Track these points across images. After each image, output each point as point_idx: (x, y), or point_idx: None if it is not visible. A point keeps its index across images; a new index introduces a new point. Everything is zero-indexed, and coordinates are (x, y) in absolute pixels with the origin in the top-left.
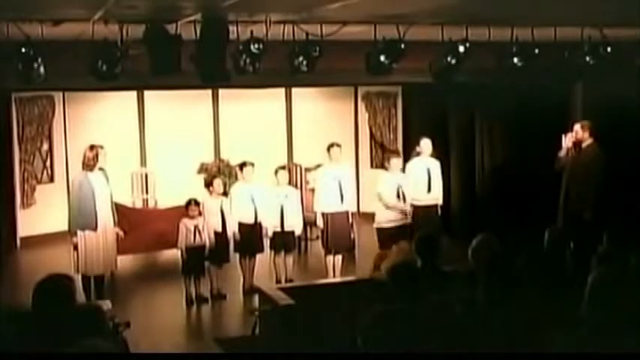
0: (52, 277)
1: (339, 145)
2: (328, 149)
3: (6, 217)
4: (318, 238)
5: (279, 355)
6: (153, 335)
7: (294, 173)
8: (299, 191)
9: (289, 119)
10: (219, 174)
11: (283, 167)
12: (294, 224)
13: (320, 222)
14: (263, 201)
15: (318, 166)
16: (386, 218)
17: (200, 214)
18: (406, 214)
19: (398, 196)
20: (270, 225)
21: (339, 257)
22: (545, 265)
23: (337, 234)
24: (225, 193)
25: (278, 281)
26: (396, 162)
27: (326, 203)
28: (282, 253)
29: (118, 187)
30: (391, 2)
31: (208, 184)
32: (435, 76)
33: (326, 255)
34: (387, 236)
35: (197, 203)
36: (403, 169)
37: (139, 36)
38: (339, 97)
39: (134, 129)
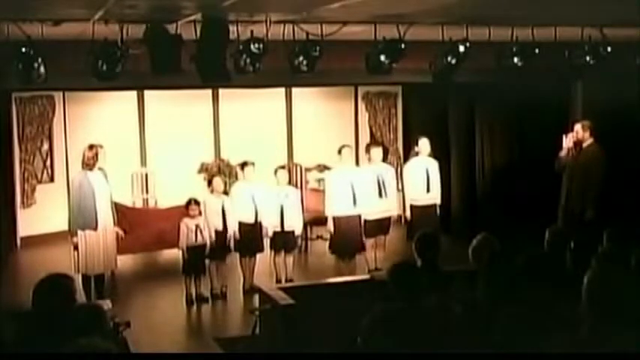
0: (52, 276)
1: (350, 147)
2: (339, 151)
3: (6, 217)
4: (318, 238)
5: (279, 355)
6: (153, 335)
7: (294, 173)
8: (299, 191)
9: (289, 119)
10: (220, 174)
11: (283, 167)
12: (294, 224)
13: (330, 225)
14: (263, 201)
15: (319, 166)
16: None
17: (200, 213)
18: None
19: (379, 188)
20: (270, 225)
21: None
22: (545, 265)
23: (348, 238)
24: (226, 192)
25: (278, 281)
26: (376, 152)
27: (338, 206)
28: (282, 252)
29: (118, 187)
30: (391, 2)
31: (209, 183)
32: (435, 76)
33: (338, 259)
34: (370, 229)
35: (197, 202)
36: (384, 159)
37: (139, 36)
38: (339, 97)
39: (134, 129)
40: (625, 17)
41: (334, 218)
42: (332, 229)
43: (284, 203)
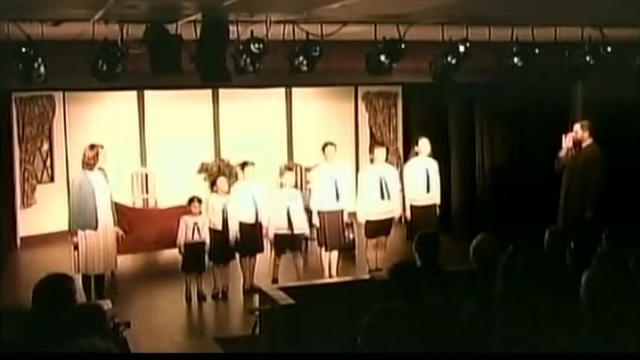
0: (52, 277)
1: (333, 144)
2: (323, 148)
3: (6, 217)
4: None
5: (279, 355)
6: (153, 335)
7: (294, 173)
8: (301, 192)
9: (289, 119)
10: (220, 174)
11: (290, 168)
12: (302, 226)
13: (315, 220)
14: (264, 201)
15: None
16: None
17: (201, 212)
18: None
19: (381, 190)
20: (277, 227)
21: (334, 255)
22: (545, 265)
23: (331, 232)
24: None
25: (274, 281)
26: (380, 152)
27: (321, 202)
28: (287, 254)
29: (118, 187)
30: (391, 2)
31: (213, 184)
32: (435, 76)
33: (322, 252)
34: (372, 230)
35: (199, 201)
36: (386, 159)
37: (139, 36)
38: (339, 97)
39: (134, 129)
40: (625, 17)
41: (318, 213)
42: (317, 223)
43: (290, 205)
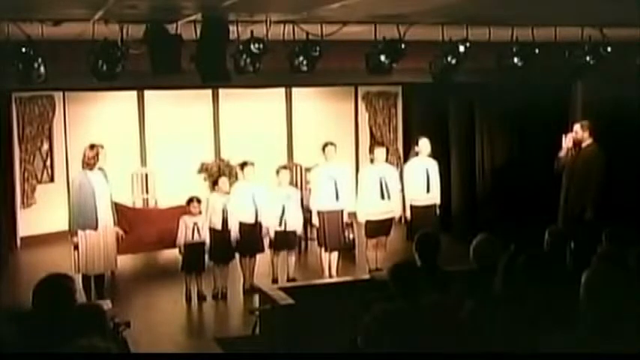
0: (52, 277)
1: (333, 144)
2: (323, 148)
3: (6, 217)
4: None
5: (279, 355)
6: (153, 335)
7: (294, 173)
8: (299, 191)
9: (289, 119)
10: (220, 174)
11: (285, 167)
12: (296, 224)
13: (315, 220)
14: (264, 201)
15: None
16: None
17: (201, 212)
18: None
19: (381, 190)
20: (273, 225)
21: (334, 255)
22: (545, 265)
23: (331, 232)
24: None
25: (274, 280)
26: (380, 152)
27: (321, 202)
28: (283, 252)
29: (118, 187)
30: (391, 2)
31: (214, 184)
32: (435, 76)
33: (322, 253)
34: (372, 230)
35: (199, 201)
36: (386, 159)
37: (139, 36)
38: (339, 97)
39: (134, 129)
40: (625, 17)
41: (318, 213)
42: (317, 223)
43: (286, 204)
